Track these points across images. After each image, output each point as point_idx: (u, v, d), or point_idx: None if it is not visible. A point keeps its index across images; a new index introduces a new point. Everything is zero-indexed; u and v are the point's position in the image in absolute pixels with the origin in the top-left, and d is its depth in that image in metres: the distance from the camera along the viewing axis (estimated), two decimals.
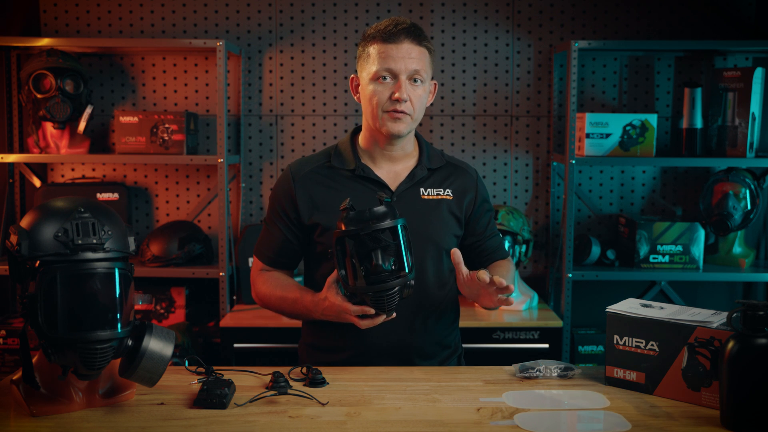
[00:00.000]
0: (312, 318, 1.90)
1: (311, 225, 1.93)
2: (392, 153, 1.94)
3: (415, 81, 1.86)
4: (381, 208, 1.68)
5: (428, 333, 1.93)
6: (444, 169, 2.00)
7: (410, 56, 1.84)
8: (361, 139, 1.98)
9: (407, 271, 1.70)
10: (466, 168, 2.04)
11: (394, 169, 1.96)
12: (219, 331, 3.11)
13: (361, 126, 2.00)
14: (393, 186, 1.94)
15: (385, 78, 1.85)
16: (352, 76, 1.97)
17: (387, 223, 1.67)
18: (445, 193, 1.96)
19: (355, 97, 1.96)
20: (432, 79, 1.95)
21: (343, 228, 1.68)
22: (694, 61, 3.43)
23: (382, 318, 1.74)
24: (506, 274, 1.98)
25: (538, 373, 1.77)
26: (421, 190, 1.94)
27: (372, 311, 1.73)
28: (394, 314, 1.76)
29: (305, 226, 1.94)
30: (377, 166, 1.95)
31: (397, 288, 1.69)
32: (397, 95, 1.83)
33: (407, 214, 1.84)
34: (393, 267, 1.69)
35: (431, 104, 3.39)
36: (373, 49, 1.87)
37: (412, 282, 1.74)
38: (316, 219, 1.92)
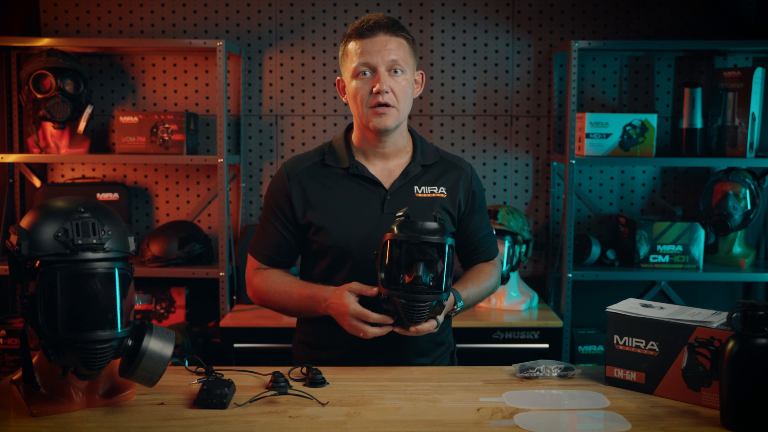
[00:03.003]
0: (315, 312, 1.88)
1: (305, 224, 1.93)
2: (384, 150, 1.94)
3: (395, 72, 1.86)
4: (434, 224, 1.72)
5: None
6: (438, 165, 1.99)
7: (386, 47, 1.84)
8: (354, 137, 1.98)
9: (443, 290, 1.72)
10: (461, 164, 2.02)
11: (387, 166, 1.95)
12: (219, 331, 3.11)
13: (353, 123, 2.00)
14: (387, 184, 1.93)
15: (365, 73, 1.86)
16: (338, 79, 1.97)
17: (436, 238, 1.70)
18: (439, 190, 1.95)
19: (344, 99, 1.96)
20: (418, 69, 1.95)
21: (395, 232, 1.71)
22: (694, 61, 3.43)
23: (391, 329, 1.76)
24: (480, 281, 1.99)
25: (538, 373, 1.77)
26: (415, 188, 1.94)
27: (390, 321, 1.75)
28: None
29: (300, 225, 1.94)
30: (371, 164, 1.95)
31: (429, 303, 1.70)
32: (377, 87, 1.84)
33: None
34: (431, 283, 1.71)
35: (431, 103, 3.44)
36: (350, 47, 1.88)
37: (445, 303, 1.75)
38: (309, 217, 1.92)
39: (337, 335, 1.93)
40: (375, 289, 1.76)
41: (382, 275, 1.73)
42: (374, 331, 1.76)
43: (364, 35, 1.85)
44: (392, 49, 1.85)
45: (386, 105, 1.85)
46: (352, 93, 1.89)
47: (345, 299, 1.78)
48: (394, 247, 1.71)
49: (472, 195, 2.00)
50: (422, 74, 1.98)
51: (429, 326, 1.75)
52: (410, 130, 2.01)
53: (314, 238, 1.93)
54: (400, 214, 1.75)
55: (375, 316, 1.75)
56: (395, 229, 1.72)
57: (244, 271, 3.20)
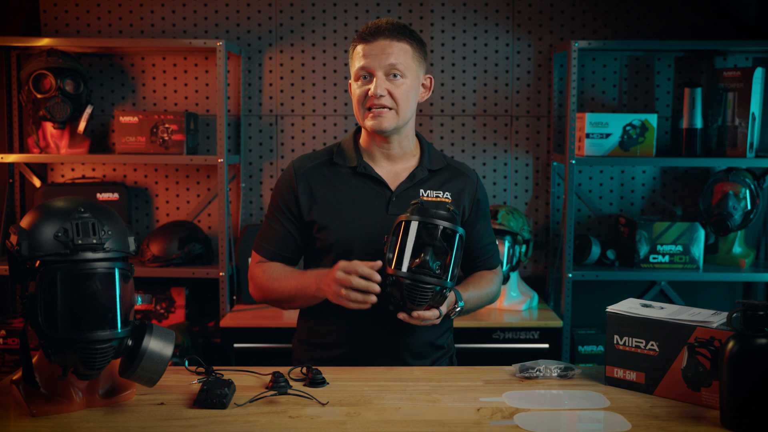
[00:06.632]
0: (308, 294, 1.86)
1: (310, 221, 1.94)
2: (390, 152, 1.95)
3: (394, 76, 1.87)
4: (447, 213, 1.74)
5: (420, 333, 1.93)
6: (444, 171, 2.00)
7: (385, 52, 1.86)
8: (362, 138, 2.00)
9: (448, 279, 1.72)
10: (467, 172, 2.04)
11: (394, 168, 1.97)
12: (219, 331, 3.11)
13: None
14: (393, 186, 1.94)
15: (364, 77, 1.88)
16: (350, 81, 1.98)
17: (448, 224, 1.72)
18: (445, 195, 1.96)
19: None
20: (426, 74, 1.97)
21: (409, 214, 1.73)
22: (694, 61, 3.43)
23: (372, 300, 1.73)
24: (481, 286, 2.00)
25: (538, 373, 1.77)
26: (421, 191, 1.95)
27: (377, 278, 1.72)
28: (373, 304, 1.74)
29: (305, 222, 1.95)
30: (377, 165, 1.96)
31: (433, 287, 1.71)
32: (371, 91, 1.86)
33: None
34: (438, 270, 1.72)
35: (431, 103, 3.44)
36: (356, 50, 1.91)
37: (447, 293, 1.75)
38: (314, 214, 1.92)
39: (337, 335, 1.93)
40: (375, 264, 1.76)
41: (390, 256, 1.74)
42: (359, 282, 1.72)
43: (367, 39, 1.88)
44: (391, 53, 1.86)
45: (382, 107, 1.86)
46: (353, 95, 1.92)
47: (337, 264, 1.77)
48: (406, 229, 1.72)
49: (477, 203, 2.01)
50: (431, 78, 1.99)
51: (431, 315, 1.75)
52: (418, 136, 2.03)
53: (318, 236, 1.93)
54: (415, 201, 1.77)
55: (364, 269, 1.72)
56: (409, 211, 1.74)
57: (245, 272, 3.22)
